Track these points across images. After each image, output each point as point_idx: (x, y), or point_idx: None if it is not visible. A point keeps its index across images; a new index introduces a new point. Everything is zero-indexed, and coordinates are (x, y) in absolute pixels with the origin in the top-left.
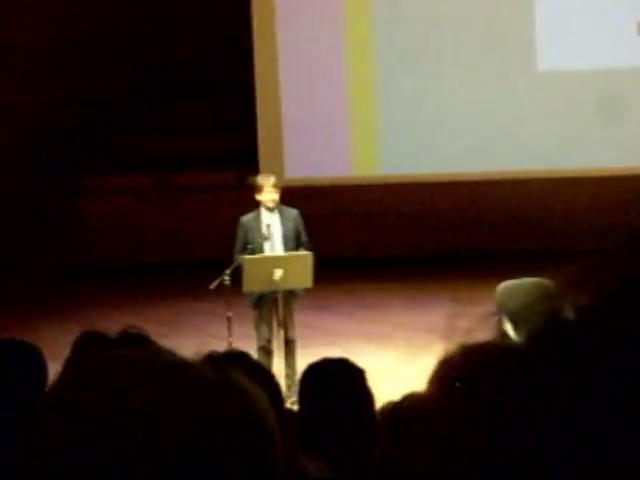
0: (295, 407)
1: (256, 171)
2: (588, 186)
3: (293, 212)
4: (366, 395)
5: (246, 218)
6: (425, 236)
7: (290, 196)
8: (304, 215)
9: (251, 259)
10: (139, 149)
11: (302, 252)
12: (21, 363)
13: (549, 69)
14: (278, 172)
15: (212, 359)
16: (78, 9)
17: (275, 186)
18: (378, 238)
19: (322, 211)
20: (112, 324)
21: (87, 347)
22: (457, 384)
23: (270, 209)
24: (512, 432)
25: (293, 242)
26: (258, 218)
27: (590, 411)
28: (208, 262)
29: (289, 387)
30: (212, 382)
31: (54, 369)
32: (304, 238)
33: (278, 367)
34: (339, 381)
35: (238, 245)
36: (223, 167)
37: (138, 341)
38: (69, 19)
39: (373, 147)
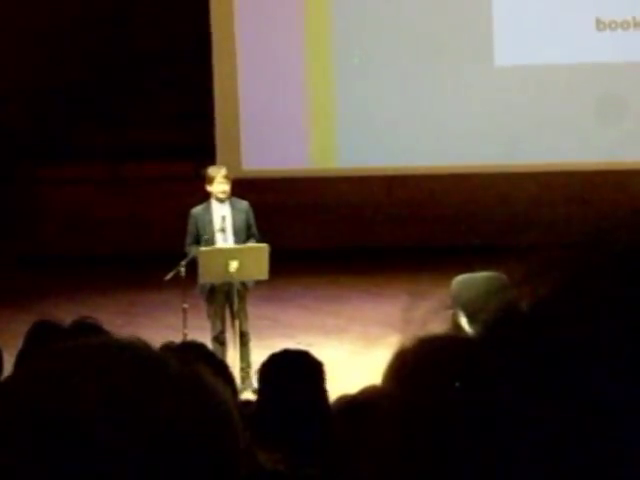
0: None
1: (213, 163)
2: (544, 180)
3: (244, 204)
4: (323, 388)
5: (197, 210)
6: (382, 229)
7: (246, 188)
8: (260, 207)
9: (207, 251)
10: (95, 140)
11: (258, 244)
12: None
13: (506, 64)
14: (235, 164)
15: (177, 351)
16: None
17: (226, 177)
18: (335, 230)
19: (279, 203)
20: (66, 314)
21: (40, 337)
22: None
23: (221, 200)
24: (465, 424)
25: (244, 234)
26: (209, 209)
27: (543, 402)
28: (164, 253)
29: (243, 379)
30: (177, 375)
31: (8, 359)
32: (254, 230)
33: (232, 359)
34: (299, 373)
35: (189, 237)
36: (180, 158)
37: (91, 331)
38: (24, 8)
39: (330, 140)
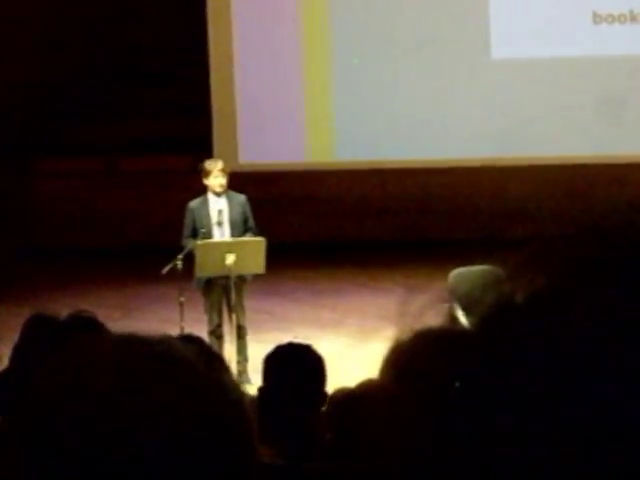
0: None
1: (210, 156)
2: (540, 174)
3: (241, 197)
4: (324, 383)
5: (194, 203)
6: (377, 222)
7: (243, 181)
8: (257, 201)
9: (204, 244)
10: (92, 133)
11: (255, 237)
12: None
13: (503, 57)
14: (232, 157)
15: (202, 352)
16: None
17: (223, 171)
18: (330, 224)
19: (275, 197)
20: (63, 307)
21: (35, 330)
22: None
23: (218, 194)
24: (462, 416)
25: (241, 227)
26: (206, 203)
27: (540, 394)
28: (161, 247)
29: (240, 373)
30: (204, 375)
31: (4, 352)
32: (251, 223)
33: (228, 352)
34: (303, 366)
35: (186, 230)
36: (177, 152)
37: (88, 324)
38: (21, 3)
39: (327, 133)
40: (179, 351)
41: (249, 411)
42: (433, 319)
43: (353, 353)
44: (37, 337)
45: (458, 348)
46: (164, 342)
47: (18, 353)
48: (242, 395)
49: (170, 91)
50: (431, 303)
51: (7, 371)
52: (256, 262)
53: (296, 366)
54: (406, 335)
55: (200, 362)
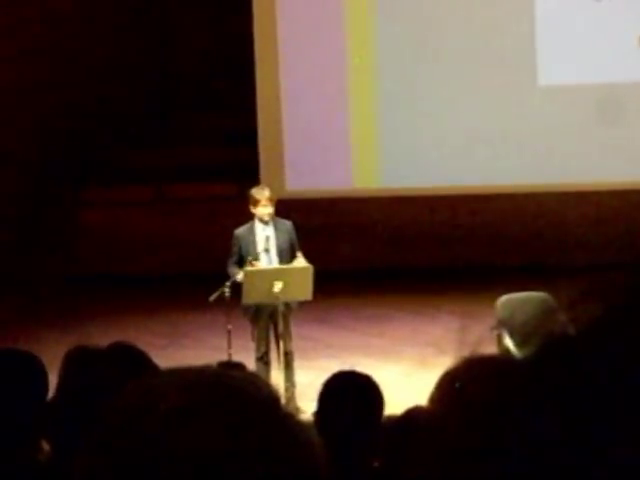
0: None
1: (257, 183)
2: (590, 200)
3: (287, 224)
4: (381, 414)
5: (240, 230)
6: (424, 250)
7: (291, 208)
8: (304, 227)
9: (251, 271)
10: (140, 161)
11: (302, 265)
12: (22, 374)
13: (550, 84)
14: (279, 185)
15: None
16: (77, 19)
17: (270, 199)
18: (378, 251)
19: (323, 224)
20: (110, 336)
21: (77, 363)
22: (457, 385)
23: (265, 222)
24: (511, 444)
25: (288, 254)
26: (253, 230)
27: (589, 425)
28: (209, 274)
29: (288, 400)
30: (285, 416)
31: (52, 380)
32: (298, 250)
33: (275, 379)
34: (361, 396)
35: (233, 258)
36: (225, 179)
37: (128, 355)
38: (70, 28)
39: (374, 160)
40: (261, 391)
41: (320, 446)
42: (488, 347)
43: (402, 381)
44: (78, 369)
45: (510, 377)
46: (246, 381)
47: (61, 385)
48: (312, 434)
49: (217, 118)
50: (486, 331)
51: (52, 401)
52: (303, 289)
53: (355, 394)
54: (458, 362)
55: (280, 402)
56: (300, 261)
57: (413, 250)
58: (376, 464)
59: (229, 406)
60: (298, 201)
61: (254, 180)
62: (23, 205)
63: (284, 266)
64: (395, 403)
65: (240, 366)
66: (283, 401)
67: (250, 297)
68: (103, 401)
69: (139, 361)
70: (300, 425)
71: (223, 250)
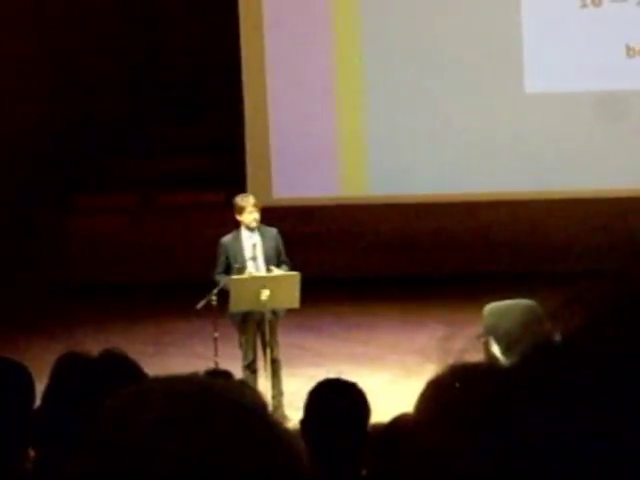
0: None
1: (244, 191)
2: (575, 208)
3: (273, 231)
4: (367, 422)
5: (226, 239)
6: (412, 257)
7: (277, 216)
8: (292, 235)
9: (238, 279)
10: (128, 169)
11: (290, 272)
12: (8, 381)
13: (537, 91)
14: (266, 192)
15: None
16: (68, 27)
17: (255, 206)
18: (365, 259)
19: (309, 231)
20: (97, 343)
21: (66, 369)
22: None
23: (251, 229)
24: (497, 453)
25: (274, 261)
26: (239, 238)
27: (575, 434)
28: (195, 282)
29: (276, 408)
30: (273, 424)
31: (42, 388)
32: (284, 257)
33: (263, 388)
34: (347, 404)
35: (219, 266)
36: (211, 187)
37: (119, 362)
38: (59, 36)
39: (360, 167)
40: (247, 399)
41: (302, 455)
42: (473, 355)
43: (388, 389)
44: (68, 376)
45: (496, 385)
46: (232, 390)
47: (49, 393)
48: (297, 442)
49: (203, 126)
50: (472, 339)
51: (39, 409)
52: (290, 297)
53: (341, 402)
54: (443, 370)
55: (268, 411)
56: (285, 269)
57: (399, 258)
58: (364, 472)
59: (216, 414)
60: (285, 208)
61: (240, 188)
62: (10, 213)
63: (271, 274)
64: (381, 411)
65: (227, 374)
66: (270, 409)
67: (238, 305)
68: (92, 409)
69: (130, 369)
70: (287, 433)
71: (209, 258)
